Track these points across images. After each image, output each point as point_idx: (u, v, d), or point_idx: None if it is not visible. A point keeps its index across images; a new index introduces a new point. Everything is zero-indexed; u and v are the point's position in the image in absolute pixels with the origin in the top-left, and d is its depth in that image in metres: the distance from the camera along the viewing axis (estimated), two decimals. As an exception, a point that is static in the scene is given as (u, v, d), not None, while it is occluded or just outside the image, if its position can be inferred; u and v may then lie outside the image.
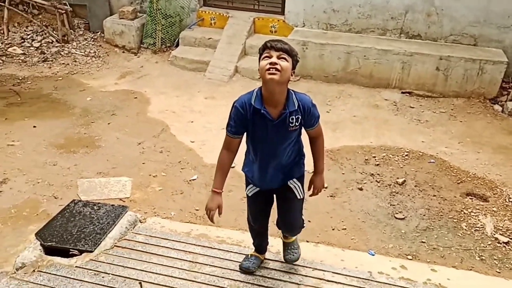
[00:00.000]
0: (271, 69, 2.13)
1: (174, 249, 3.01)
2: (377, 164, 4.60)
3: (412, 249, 3.50)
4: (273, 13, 6.87)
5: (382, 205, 4.02)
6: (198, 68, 6.45)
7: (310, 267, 3.03)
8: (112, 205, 3.47)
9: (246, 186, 2.64)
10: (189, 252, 2.99)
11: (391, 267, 3.18)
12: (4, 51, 6.79)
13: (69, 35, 7.25)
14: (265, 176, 2.51)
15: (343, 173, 4.47)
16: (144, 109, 5.46)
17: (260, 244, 2.94)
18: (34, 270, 2.64)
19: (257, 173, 2.52)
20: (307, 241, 3.46)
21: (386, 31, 6.37)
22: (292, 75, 2.23)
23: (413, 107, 5.81)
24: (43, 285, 2.49)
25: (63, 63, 6.68)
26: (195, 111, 5.46)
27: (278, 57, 2.15)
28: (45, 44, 7.09)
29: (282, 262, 3.01)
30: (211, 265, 2.85)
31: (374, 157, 4.72)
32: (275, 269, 2.95)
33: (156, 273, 2.71)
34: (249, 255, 2.95)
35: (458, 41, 6.18)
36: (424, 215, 3.87)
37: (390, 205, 4.02)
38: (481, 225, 3.75)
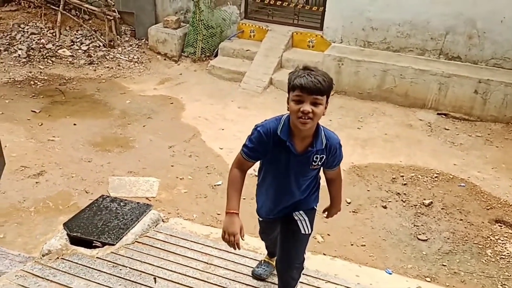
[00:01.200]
0: (303, 117, 1.91)
1: (191, 249, 3.10)
2: (405, 184, 4.54)
3: (431, 271, 3.43)
4: (311, 28, 6.95)
5: (405, 225, 3.96)
6: (234, 78, 6.60)
7: (323, 279, 3.02)
8: (138, 203, 3.60)
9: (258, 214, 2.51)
10: (205, 253, 3.06)
11: (407, 287, 3.13)
12: (54, 52, 7.21)
13: (115, 40, 7.60)
14: (274, 208, 2.34)
15: (368, 190, 4.44)
16: (178, 115, 5.64)
17: (273, 249, 2.78)
18: (58, 257, 2.79)
19: (266, 205, 2.37)
20: (324, 254, 3.46)
21: (425, 51, 6.30)
22: (325, 109, 1.98)
23: (448, 129, 5.69)
24: (64, 271, 2.63)
25: (107, 67, 7.01)
26: (227, 119, 5.59)
27: (312, 103, 1.90)
28: (92, 48, 7.47)
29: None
30: (225, 268, 2.91)
31: (402, 176, 4.67)
32: (287, 278, 2.97)
33: (171, 271, 2.80)
34: (262, 261, 2.87)
35: (500, 65, 6.02)
36: (448, 238, 3.79)
37: (414, 225, 3.96)
38: (508, 253, 3.62)
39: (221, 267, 2.94)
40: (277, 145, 2.07)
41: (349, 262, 3.42)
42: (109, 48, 7.49)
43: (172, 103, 5.98)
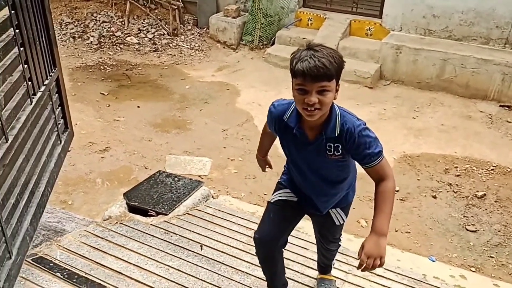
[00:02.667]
0: (309, 109, 1.64)
1: (237, 224, 3.28)
2: (458, 175, 4.44)
3: (477, 261, 3.38)
4: (370, 16, 6.86)
5: (454, 215, 3.91)
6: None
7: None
8: (190, 179, 3.85)
9: (274, 193, 2.17)
10: (249, 228, 3.24)
11: (449, 274, 3.11)
12: (122, 39, 7.69)
13: (178, 29, 7.96)
14: (311, 196, 2.07)
15: (419, 179, 4.40)
16: (233, 100, 5.86)
17: (272, 280, 2.34)
18: (116, 222, 3.09)
19: (296, 188, 2.11)
20: (367, 238, 3.52)
21: (489, 40, 6.02)
22: (337, 92, 1.68)
23: (510, 122, 5.44)
24: (121, 234, 2.91)
25: (170, 54, 7.38)
26: (280, 105, 5.72)
27: (318, 91, 1.61)
28: (157, 36, 7.87)
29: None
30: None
31: (456, 167, 4.56)
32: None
33: (217, 241, 3.00)
34: None
35: None
36: (499, 231, 3.69)
37: (464, 216, 3.89)
38: (563, 250, 3.48)
39: (263, 241, 3.10)
40: (285, 131, 1.86)
41: (391, 247, 3.45)
42: (172, 37, 7.85)
43: (228, 89, 6.21)
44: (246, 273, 2.67)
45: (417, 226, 3.77)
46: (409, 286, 2.91)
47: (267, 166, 2.44)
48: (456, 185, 4.30)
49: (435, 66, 6.01)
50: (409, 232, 3.69)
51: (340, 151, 1.79)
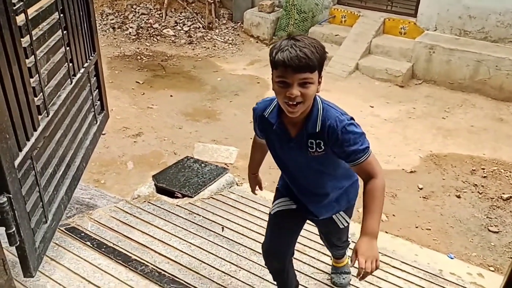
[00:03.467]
0: (290, 103, 1.53)
1: (258, 210, 3.40)
2: (484, 176, 4.40)
3: (497, 262, 3.37)
4: (405, 15, 6.82)
5: (477, 215, 3.89)
6: (321, 62, 6.75)
7: (379, 252, 3.14)
8: (216, 166, 3.99)
9: (273, 202, 2.06)
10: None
11: (466, 272, 3.12)
12: (159, 31, 7.93)
13: (214, 23, 8.13)
14: (303, 200, 1.96)
15: (444, 179, 4.38)
16: (263, 93, 5.97)
17: (283, 286, 2.23)
18: (145, 201, 3.26)
19: (293, 193, 1.97)
20: (386, 232, 3.56)
21: (527, 42, 5.89)
22: (319, 85, 1.57)
23: (543, 126, 5.33)
24: (148, 212, 3.08)
25: (204, 47, 7.56)
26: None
27: (300, 83, 1.50)
28: (193, 29, 8.08)
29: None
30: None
31: (483, 169, 4.52)
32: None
33: (237, 224, 3.12)
34: None
35: None
36: (522, 234, 3.66)
37: (487, 217, 3.87)
38: None
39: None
40: (267, 128, 1.75)
41: (410, 242, 3.48)
42: (207, 30, 8.04)
43: (258, 82, 6.32)
44: (264, 255, 2.79)
45: (438, 223, 3.78)
46: (425, 279, 2.94)
47: (257, 188, 2.28)
48: (482, 186, 4.26)
49: (468, 67, 5.93)
50: (430, 229, 3.71)
51: (323, 147, 1.66)
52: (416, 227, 3.73)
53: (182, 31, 8.02)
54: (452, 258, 3.34)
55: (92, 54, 2.90)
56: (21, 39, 1.85)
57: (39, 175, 2.03)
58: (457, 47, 6.00)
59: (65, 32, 2.38)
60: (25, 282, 2.07)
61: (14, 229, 1.76)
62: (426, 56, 6.18)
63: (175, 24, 8.18)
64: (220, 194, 3.59)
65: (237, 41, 7.79)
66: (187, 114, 5.42)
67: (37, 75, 2.03)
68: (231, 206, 3.41)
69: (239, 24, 8.22)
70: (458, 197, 4.12)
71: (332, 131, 1.60)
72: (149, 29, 8.01)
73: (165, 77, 6.45)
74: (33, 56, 1.97)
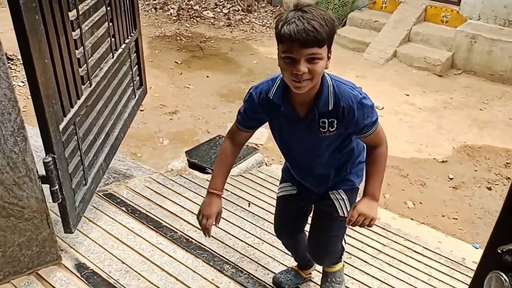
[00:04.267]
0: (297, 80, 1.41)
1: (285, 189, 3.50)
2: (519, 170, 4.32)
3: (523, 255, 3.34)
4: (448, 3, 6.65)
5: (508, 208, 3.83)
6: (358, 48, 6.70)
7: (402, 237, 3.18)
8: (247, 145, 4.09)
9: (279, 185, 2.02)
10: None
11: (490, 262, 3.13)
12: (199, 13, 8.07)
13: (253, 6, 8.19)
14: (303, 183, 1.86)
15: (476, 170, 4.33)
16: (298, 77, 6.02)
17: (298, 259, 2.25)
18: (177, 174, 3.42)
19: (295, 178, 1.88)
20: (412, 219, 3.58)
21: None
22: (329, 60, 1.44)
23: None
24: (180, 184, 3.24)
25: (242, 30, 7.64)
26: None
27: (308, 59, 1.37)
28: (232, 12, 8.16)
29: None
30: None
31: (518, 162, 4.43)
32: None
33: (263, 201, 3.23)
34: (290, 268, 2.31)
35: None
36: (553, 229, 3.59)
37: (517, 211, 3.81)
38: None
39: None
40: (273, 111, 1.61)
41: (435, 230, 3.50)
42: (246, 13, 8.11)
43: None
44: (287, 230, 2.89)
45: (465, 214, 3.76)
46: (446, 265, 2.97)
47: (213, 224, 1.74)
48: (515, 179, 4.19)
49: (511, 58, 5.75)
50: (456, 219, 3.70)
51: (335, 126, 1.57)
52: (443, 216, 3.73)
53: (221, 14, 8.12)
54: (477, 248, 3.34)
55: (133, 31, 3.05)
56: (69, 13, 2.00)
57: (81, 140, 2.20)
58: (500, 37, 5.82)
59: (108, 8, 2.52)
60: (65, 238, 2.26)
61: (57, 187, 1.93)
62: (467, 45, 6.03)
63: (215, 6, 8.29)
64: (249, 173, 3.71)
65: (273, 25, 7.80)
66: (222, 95, 5.55)
67: (82, 47, 2.18)
68: (259, 184, 3.52)
69: (278, 7, 8.24)
70: (489, 189, 4.07)
71: (348, 109, 1.51)
72: (189, 10, 8.15)
73: (203, 58, 6.59)
74: (79, 29, 2.12)
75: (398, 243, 3.10)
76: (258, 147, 4.42)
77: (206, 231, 1.71)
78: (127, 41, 2.88)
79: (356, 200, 1.76)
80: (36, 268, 2.00)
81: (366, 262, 2.75)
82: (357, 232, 3.08)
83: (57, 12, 1.87)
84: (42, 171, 1.87)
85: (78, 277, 2.04)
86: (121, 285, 2.06)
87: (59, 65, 1.91)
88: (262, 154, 4.16)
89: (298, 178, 1.85)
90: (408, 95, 5.65)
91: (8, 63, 4.90)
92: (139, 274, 2.14)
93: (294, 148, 1.73)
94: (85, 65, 2.22)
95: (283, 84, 1.53)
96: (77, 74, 2.13)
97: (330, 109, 1.52)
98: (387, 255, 2.89)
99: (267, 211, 3.12)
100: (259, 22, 7.88)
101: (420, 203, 3.84)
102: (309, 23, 1.33)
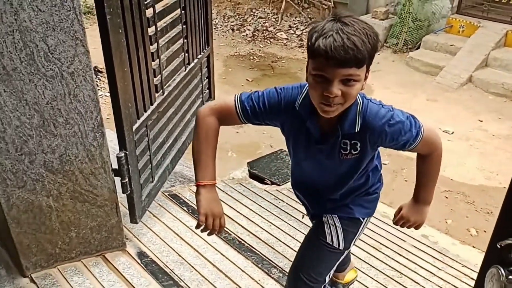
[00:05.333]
0: (327, 104, 1.22)
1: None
2: None
3: None
4: (532, 27, 6.34)
5: None
6: (431, 71, 6.57)
7: (460, 262, 3.09)
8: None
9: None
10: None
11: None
12: (273, 34, 8.38)
13: (326, 28, 8.34)
14: (298, 194, 1.75)
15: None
16: (365, 98, 6.03)
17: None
18: (237, 182, 3.61)
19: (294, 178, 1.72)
20: (473, 247, 3.45)
21: None
22: (365, 81, 1.27)
23: None
24: (239, 192, 3.42)
25: (314, 51, 7.80)
26: (412, 108, 5.68)
27: (343, 80, 1.18)
28: (305, 33, 8.37)
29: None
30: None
31: None
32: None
33: (318, 214, 3.32)
34: None
35: None
36: None
37: None
38: None
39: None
40: (295, 121, 1.41)
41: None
42: (319, 34, 8.27)
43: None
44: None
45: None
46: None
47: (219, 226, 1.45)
48: None
49: None
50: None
51: (358, 149, 1.40)
52: None
53: (294, 35, 8.36)
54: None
55: (206, 48, 3.32)
56: (148, 29, 2.28)
57: (151, 141, 2.45)
58: None
59: (184, 26, 2.80)
60: (130, 229, 2.51)
61: (127, 180, 2.18)
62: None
63: (289, 28, 8.56)
64: (307, 186, 3.81)
65: (347, 46, 7.90)
66: (289, 112, 5.73)
67: (158, 59, 2.45)
68: (315, 198, 3.61)
69: (351, 30, 8.31)
70: None
71: (378, 130, 1.33)
72: (264, 31, 8.49)
73: (273, 77, 6.83)
74: (156, 43, 2.40)
75: (454, 269, 3.02)
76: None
77: (220, 230, 1.44)
78: (199, 56, 3.15)
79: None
80: (103, 251, 2.26)
81: (417, 283, 2.72)
82: (411, 253, 3.06)
83: (138, 28, 2.14)
84: (115, 165, 2.14)
85: (138, 263, 2.27)
86: (176, 274, 2.25)
87: (136, 73, 2.19)
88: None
89: (295, 189, 1.72)
90: (481, 121, 5.44)
91: (98, 75, 5.45)
92: (193, 267, 2.32)
93: (305, 165, 1.54)
94: (160, 75, 2.49)
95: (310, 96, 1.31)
96: (152, 82, 2.40)
97: (356, 131, 1.33)
98: (441, 278, 2.83)
99: (320, 224, 3.20)
100: (331, 43, 8.01)
101: (484, 231, 3.69)
102: (349, 38, 1.14)
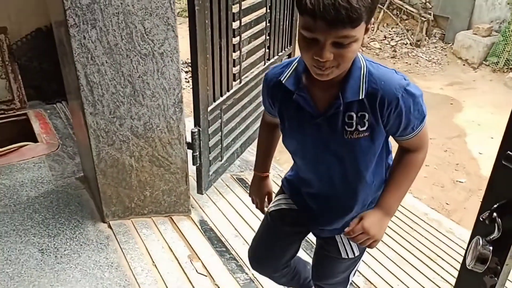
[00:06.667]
0: (318, 67, 1.06)
1: (403, 215, 3.56)
2: None
3: None
4: None
5: None
6: (531, 94, 6.15)
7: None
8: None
9: (275, 197, 1.61)
10: (409, 219, 3.47)
11: None
12: (366, 43, 8.36)
13: (422, 41, 8.13)
14: (311, 205, 1.45)
15: None
16: (451, 114, 5.83)
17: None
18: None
19: (301, 196, 1.47)
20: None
21: None
22: (366, 34, 1.05)
23: None
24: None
25: (406, 62, 7.67)
26: (502, 129, 5.40)
27: (335, 43, 1.01)
28: (399, 45, 8.24)
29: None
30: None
31: None
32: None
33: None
34: None
35: None
36: None
37: None
38: None
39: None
40: (284, 100, 1.26)
41: None
42: (414, 47, 8.09)
43: (451, 103, 6.17)
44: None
45: None
46: None
47: (265, 201, 1.64)
48: None
49: None
50: None
51: (366, 123, 1.17)
52: None
53: (388, 45, 8.27)
54: None
55: (288, 47, 3.54)
56: (233, 23, 2.55)
57: (223, 124, 2.73)
58: None
59: (268, 24, 3.04)
60: (197, 200, 2.81)
61: (198, 153, 2.47)
62: None
63: (384, 38, 8.48)
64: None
65: (442, 61, 7.65)
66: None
67: (239, 51, 2.72)
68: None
69: (449, 45, 8.02)
70: None
71: (391, 97, 1.12)
72: (357, 40, 8.51)
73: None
74: (239, 37, 2.66)
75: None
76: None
77: (261, 211, 1.66)
78: (280, 54, 3.37)
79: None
80: (171, 213, 2.57)
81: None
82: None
83: (224, 21, 2.42)
84: (189, 139, 2.43)
85: (199, 229, 2.55)
86: (229, 244, 2.49)
87: (217, 61, 2.46)
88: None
89: (308, 201, 1.43)
90: None
91: (187, 67, 5.88)
92: (245, 241, 2.54)
93: (309, 156, 1.30)
94: (239, 65, 2.76)
95: (302, 65, 1.17)
96: (231, 71, 2.67)
97: (360, 97, 1.13)
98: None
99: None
100: (426, 56, 7.80)
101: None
102: None
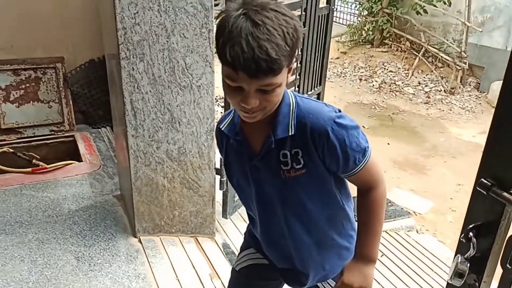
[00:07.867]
0: (245, 111, 1.07)
1: (424, 256, 3.59)
2: None
3: None
4: None
5: None
6: None
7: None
8: (402, 208, 4.30)
9: (238, 255, 1.56)
10: (430, 262, 3.50)
11: None
12: (400, 88, 8.50)
13: (457, 88, 8.19)
14: (273, 261, 1.40)
15: None
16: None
17: None
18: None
19: (264, 245, 1.39)
20: None
21: None
22: (289, 74, 1.08)
23: None
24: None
25: (439, 109, 7.72)
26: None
27: (258, 90, 1.02)
28: (433, 91, 8.33)
29: None
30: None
31: None
32: None
33: (390, 260, 3.42)
34: None
35: None
36: None
37: None
38: None
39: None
40: (227, 147, 1.27)
41: None
42: (448, 94, 8.16)
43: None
44: None
45: None
46: None
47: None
48: None
49: None
50: None
51: (301, 161, 1.15)
52: None
53: (422, 91, 8.37)
54: None
55: (318, 86, 3.76)
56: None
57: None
58: None
59: (299, 65, 3.28)
60: (222, 224, 2.98)
61: (225, 179, 2.67)
62: None
63: (418, 84, 8.60)
64: (395, 232, 3.91)
65: (476, 109, 7.66)
66: (396, 161, 5.80)
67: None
68: (399, 242, 3.70)
69: (484, 94, 8.04)
70: None
71: (318, 131, 1.11)
72: (391, 84, 8.66)
73: (390, 128, 6.96)
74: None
75: None
76: (416, 214, 4.53)
77: None
78: (310, 92, 3.59)
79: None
80: (197, 234, 2.75)
81: None
82: None
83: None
84: (218, 165, 2.64)
85: (221, 251, 2.71)
86: (248, 267, 2.63)
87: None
88: (418, 223, 4.28)
89: (266, 252, 1.38)
90: None
91: (218, 101, 6.18)
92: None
93: (256, 198, 1.27)
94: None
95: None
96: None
97: (291, 133, 1.13)
98: None
99: (390, 271, 3.31)
100: (459, 104, 7.84)
101: None
102: (260, 47, 0.94)
